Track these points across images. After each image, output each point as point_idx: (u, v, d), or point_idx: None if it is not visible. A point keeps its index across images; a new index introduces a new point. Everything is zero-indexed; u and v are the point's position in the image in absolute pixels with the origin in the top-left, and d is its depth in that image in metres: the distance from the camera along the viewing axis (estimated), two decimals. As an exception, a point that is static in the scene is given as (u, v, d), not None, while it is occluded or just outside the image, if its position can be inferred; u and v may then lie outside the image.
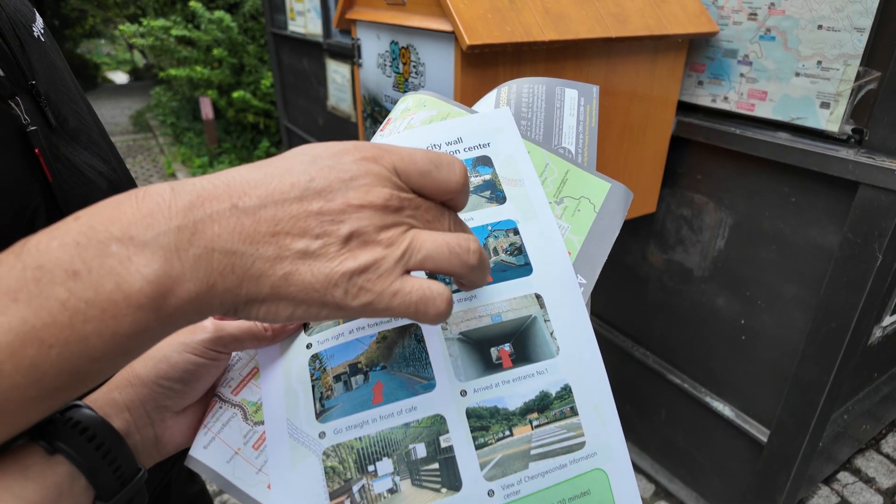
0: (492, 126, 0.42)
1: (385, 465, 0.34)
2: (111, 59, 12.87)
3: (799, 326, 1.21)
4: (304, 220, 0.25)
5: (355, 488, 0.33)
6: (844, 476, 1.69)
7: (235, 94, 4.18)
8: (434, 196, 0.30)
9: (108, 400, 0.34)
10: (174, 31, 4.28)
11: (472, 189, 0.40)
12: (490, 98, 0.47)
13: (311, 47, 2.83)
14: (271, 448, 0.35)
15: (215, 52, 4.24)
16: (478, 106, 0.47)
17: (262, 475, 0.35)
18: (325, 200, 0.26)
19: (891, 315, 1.30)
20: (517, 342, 0.37)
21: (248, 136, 4.80)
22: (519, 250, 0.39)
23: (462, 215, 0.40)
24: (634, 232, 1.52)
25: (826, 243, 1.13)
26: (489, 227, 0.39)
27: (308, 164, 0.27)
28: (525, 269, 0.38)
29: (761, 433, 1.33)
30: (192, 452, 0.36)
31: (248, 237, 0.24)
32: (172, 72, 4.35)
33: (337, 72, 2.61)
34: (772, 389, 1.30)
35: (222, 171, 0.26)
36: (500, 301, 0.37)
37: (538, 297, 0.38)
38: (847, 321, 1.10)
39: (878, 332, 1.29)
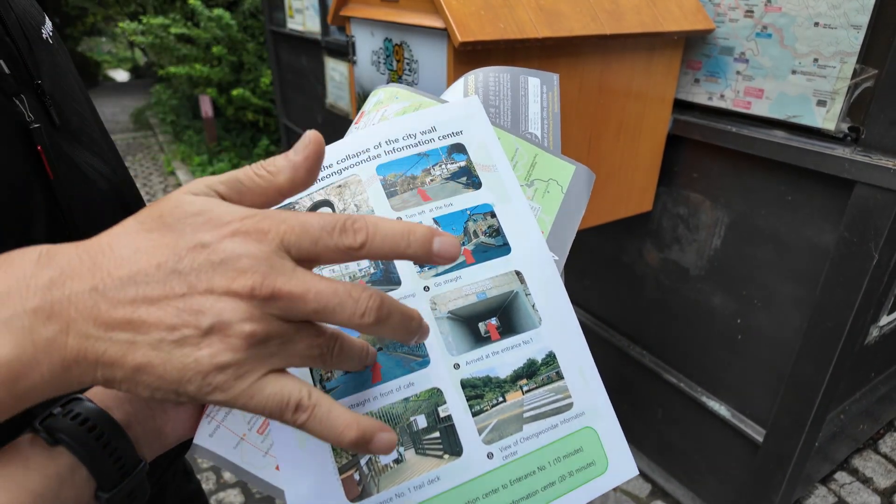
0: (463, 115, 0.44)
1: None
2: (112, 57, 12.87)
3: (795, 326, 1.21)
4: (163, 307, 0.24)
5: (363, 461, 0.35)
6: (842, 476, 1.68)
7: (235, 92, 4.18)
8: (334, 261, 0.27)
9: (110, 393, 0.34)
10: (173, 29, 4.28)
11: (449, 175, 0.43)
12: (458, 87, 0.48)
13: (309, 45, 2.83)
14: (276, 432, 0.36)
15: (215, 49, 4.23)
16: (446, 95, 0.49)
17: (270, 458, 0.36)
18: (189, 286, 0.24)
19: (888, 315, 1.29)
20: (502, 316, 0.40)
21: (248, 134, 4.80)
22: (497, 232, 0.42)
23: (442, 202, 0.42)
24: (631, 231, 1.51)
25: (822, 242, 1.12)
26: (468, 212, 0.42)
27: (185, 237, 0.25)
28: (504, 248, 0.41)
29: (757, 433, 1.32)
30: (196, 441, 0.37)
31: (104, 322, 0.24)
32: (172, 70, 4.35)
33: (335, 69, 2.61)
34: (768, 389, 1.29)
35: (100, 238, 0.26)
36: (484, 279, 0.40)
37: (518, 273, 0.41)
38: (843, 320, 1.09)
39: (874, 332, 1.29)
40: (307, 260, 0.27)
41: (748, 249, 1.26)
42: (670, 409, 1.56)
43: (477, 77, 0.48)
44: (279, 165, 0.29)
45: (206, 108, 4.64)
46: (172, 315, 0.24)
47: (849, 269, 1.06)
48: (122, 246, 0.25)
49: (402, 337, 0.29)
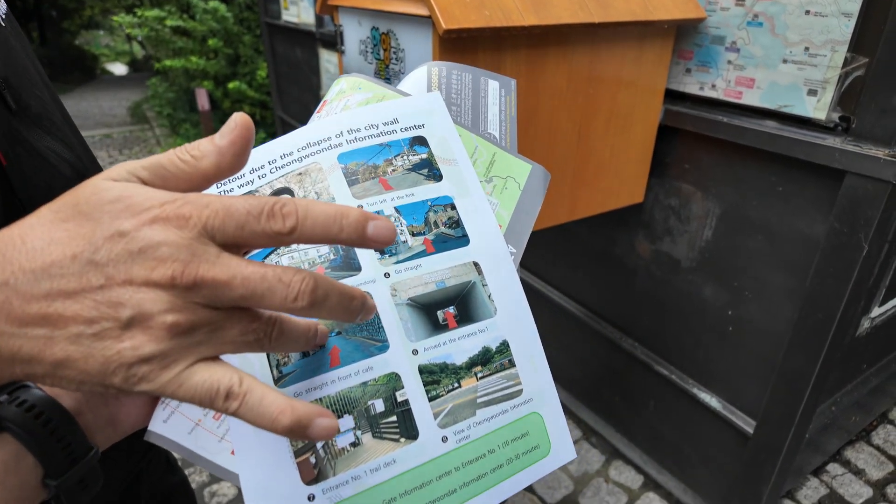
0: (425, 109, 0.45)
1: (346, 422, 0.36)
2: (110, 51, 12.81)
3: (786, 317, 1.20)
4: (80, 301, 0.23)
5: (319, 445, 0.36)
6: (834, 467, 1.68)
7: (231, 85, 4.16)
8: (263, 245, 0.27)
9: None
10: (169, 22, 4.25)
11: (411, 166, 0.43)
12: (419, 77, 0.49)
13: (303, 37, 2.82)
14: (231, 417, 0.36)
15: (211, 42, 4.21)
16: (407, 82, 0.50)
17: (225, 443, 0.36)
18: (106, 277, 0.24)
19: (879, 306, 1.28)
20: (460, 305, 0.41)
21: (245, 127, 4.78)
22: (457, 223, 0.43)
23: (403, 191, 0.42)
24: (622, 222, 1.50)
25: (813, 233, 1.12)
26: (429, 203, 0.43)
27: (103, 226, 0.24)
28: (463, 240, 0.42)
29: (748, 424, 1.32)
30: (151, 427, 0.37)
31: (17, 319, 0.23)
32: (168, 63, 4.33)
33: (330, 61, 2.59)
34: (758, 380, 1.29)
35: (10, 229, 0.25)
36: (443, 269, 0.41)
37: (476, 264, 0.42)
38: (833, 312, 1.09)
39: (866, 324, 1.28)
40: (234, 245, 0.26)
41: (739, 240, 1.25)
42: (662, 401, 1.56)
43: (440, 71, 0.49)
44: (204, 150, 0.28)
45: (203, 101, 4.61)
46: (90, 308, 0.23)
47: (839, 259, 1.05)
48: (34, 237, 0.24)
49: (343, 317, 0.28)
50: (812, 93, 1.05)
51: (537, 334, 0.42)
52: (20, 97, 0.46)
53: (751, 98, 1.15)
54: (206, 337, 0.25)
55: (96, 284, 0.24)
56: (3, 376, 0.24)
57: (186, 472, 1.72)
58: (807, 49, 1.04)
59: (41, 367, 0.24)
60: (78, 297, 0.23)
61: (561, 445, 0.41)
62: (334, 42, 2.44)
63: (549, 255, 1.82)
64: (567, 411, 1.87)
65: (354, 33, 1.15)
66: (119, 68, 12.13)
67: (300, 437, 0.26)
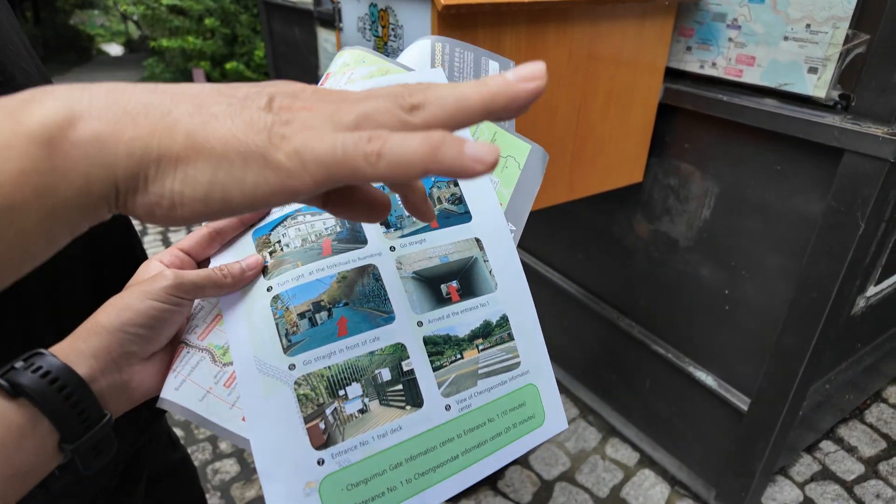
0: None
1: (354, 389, 0.38)
2: (105, 31, 12.62)
3: (782, 296, 1.21)
4: (228, 95, 0.25)
5: (328, 411, 0.37)
6: (827, 445, 1.71)
7: (229, 66, 4.13)
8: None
9: (73, 349, 0.35)
10: (165, 0, 4.20)
11: None
12: (424, 51, 0.49)
13: (302, 15, 2.78)
14: (242, 384, 0.37)
15: (207, 21, 4.16)
16: (409, 54, 0.50)
17: (236, 409, 0.37)
18: (250, 88, 0.26)
19: (875, 285, 1.29)
20: (462, 279, 0.43)
21: (243, 108, 4.74)
22: (459, 200, 0.44)
23: None
24: (621, 202, 1.51)
25: (810, 212, 1.12)
26: (432, 178, 0.43)
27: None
28: (465, 216, 0.44)
29: (742, 402, 1.34)
30: (163, 395, 0.38)
31: (170, 97, 0.24)
32: (164, 42, 4.28)
33: (328, 41, 2.57)
34: (753, 359, 1.31)
35: None
36: (447, 244, 0.43)
37: (478, 240, 0.44)
38: (828, 290, 1.09)
39: (861, 303, 1.29)
40: None
41: (737, 220, 1.26)
42: (658, 380, 1.58)
43: (444, 48, 0.50)
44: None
45: (200, 82, 4.57)
46: (239, 96, 0.25)
47: (835, 238, 1.06)
48: None
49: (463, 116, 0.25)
50: (812, 70, 1.05)
51: (534, 309, 0.44)
52: (4, 68, 0.46)
53: (751, 76, 1.15)
54: (345, 114, 0.25)
55: (241, 93, 0.26)
56: (133, 150, 0.23)
57: (189, 449, 1.74)
58: (808, 26, 1.03)
59: (182, 131, 0.23)
60: (226, 94, 0.25)
61: (554, 416, 0.43)
62: (332, 21, 2.41)
63: (547, 236, 1.82)
64: (564, 390, 1.90)
65: (353, 10, 1.14)
66: (115, 49, 11.97)
67: (458, 155, 0.23)
